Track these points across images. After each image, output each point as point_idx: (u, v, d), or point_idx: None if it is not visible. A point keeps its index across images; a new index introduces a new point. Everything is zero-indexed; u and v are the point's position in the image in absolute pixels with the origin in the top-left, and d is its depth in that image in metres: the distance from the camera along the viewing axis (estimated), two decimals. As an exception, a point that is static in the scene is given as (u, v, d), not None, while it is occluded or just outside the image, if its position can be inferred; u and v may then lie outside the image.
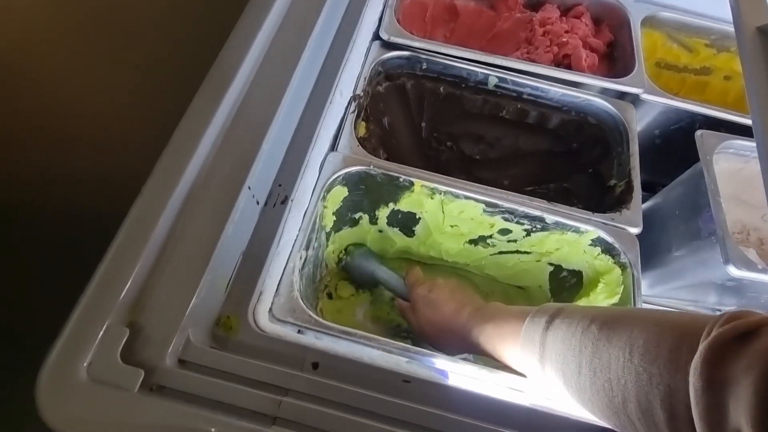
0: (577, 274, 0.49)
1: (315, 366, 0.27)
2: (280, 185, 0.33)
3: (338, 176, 0.41)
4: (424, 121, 0.57)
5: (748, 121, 0.51)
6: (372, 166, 0.42)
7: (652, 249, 0.50)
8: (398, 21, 0.58)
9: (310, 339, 0.30)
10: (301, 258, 0.38)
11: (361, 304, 0.56)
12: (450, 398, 0.26)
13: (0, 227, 0.54)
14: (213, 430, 0.20)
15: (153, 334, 0.23)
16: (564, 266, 0.49)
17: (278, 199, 0.33)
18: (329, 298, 0.55)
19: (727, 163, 0.52)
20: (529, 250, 0.49)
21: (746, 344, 0.17)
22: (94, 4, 0.56)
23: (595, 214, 0.43)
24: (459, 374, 0.30)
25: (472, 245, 0.51)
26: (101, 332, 0.21)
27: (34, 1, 0.51)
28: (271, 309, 0.31)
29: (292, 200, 0.33)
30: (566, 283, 0.50)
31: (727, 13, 0.41)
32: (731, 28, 0.58)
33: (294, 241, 0.36)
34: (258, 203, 0.31)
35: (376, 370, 0.27)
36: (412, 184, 0.43)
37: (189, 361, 0.23)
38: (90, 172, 0.59)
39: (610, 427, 0.23)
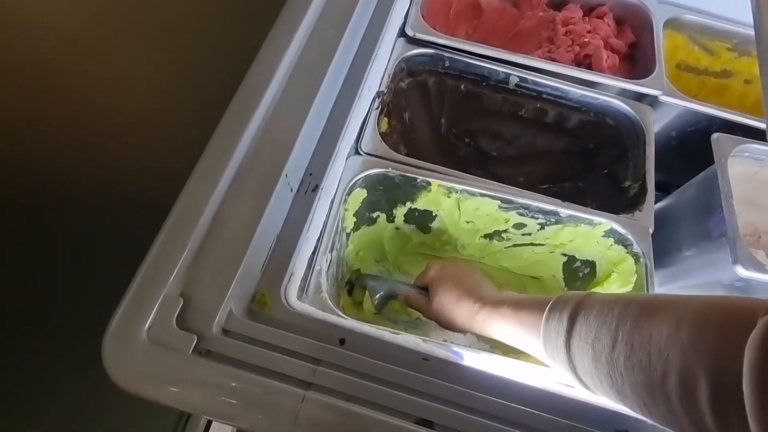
0: (590, 264, 0.50)
1: (342, 341, 0.29)
2: (311, 174, 0.36)
3: (358, 179, 0.43)
4: (443, 117, 0.59)
5: (765, 125, 0.52)
6: (390, 169, 0.44)
7: (663, 247, 0.51)
8: (423, 17, 0.59)
9: (336, 318, 0.32)
10: (327, 260, 0.41)
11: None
12: (466, 375, 0.28)
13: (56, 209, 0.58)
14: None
15: (202, 305, 0.25)
16: (578, 257, 0.51)
17: (309, 187, 0.35)
18: (349, 294, 0.57)
19: (742, 166, 0.52)
20: (543, 243, 0.51)
21: None
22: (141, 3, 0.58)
23: (608, 215, 0.45)
24: (473, 357, 0.32)
25: (488, 239, 0.53)
26: (159, 300, 0.24)
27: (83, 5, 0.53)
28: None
29: (322, 189, 0.36)
30: (580, 273, 0.52)
31: (751, 18, 0.42)
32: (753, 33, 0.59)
33: (319, 239, 0.38)
34: (292, 190, 0.33)
35: (398, 348, 0.30)
36: (429, 184, 0.45)
37: (232, 331, 0.26)
38: (139, 160, 0.62)
39: (635, 409, 0.23)
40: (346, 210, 0.45)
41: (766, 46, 0.39)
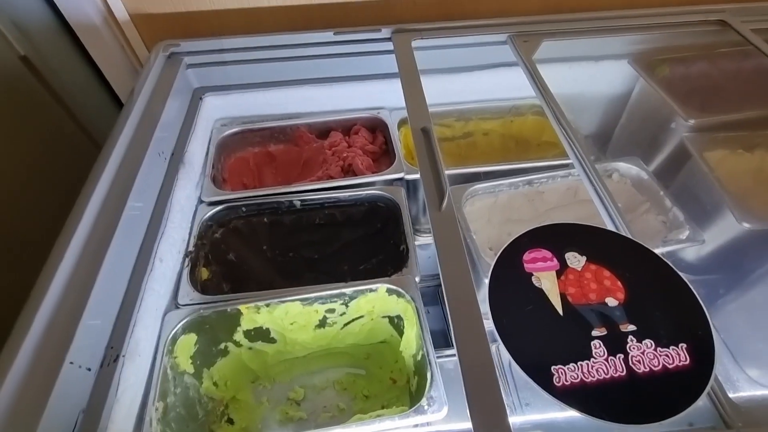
0: (400, 317, 0.61)
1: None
2: (112, 347, 0.45)
3: (177, 329, 0.52)
4: (264, 245, 0.72)
5: (488, 168, 0.71)
6: (201, 310, 0.54)
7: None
8: (224, 179, 0.75)
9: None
10: (157, 410, 0.47)
11: (263, 416, 0.63)
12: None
13: None
14: None
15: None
16: (390, 314, 0.62)
17: (111, 359, 0.44)
18: (231, 423, 0.62)
19: (481, 201, 0.69)
20: (359, 315, 0.61)
21: None
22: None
23: (380, 279, 0.57)
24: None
25: (320, 328, 0.63)
26: None
27: None
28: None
29: (123, 356, 0.44)
30: (401, 326, 0.62)
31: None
32: (462, 107, 0.81)
33: (143, 393, 0.46)
34: (89, 369, 0.42)
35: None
36: (238, 309, 0.55)
37: None
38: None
39: None
40: (175, 358, 0.53)
41: (416, 135, 0.57)
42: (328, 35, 0.72)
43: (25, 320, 0.39)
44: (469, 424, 0.53)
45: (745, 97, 0.69)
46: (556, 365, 0.37)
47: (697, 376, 0.36)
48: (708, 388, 0.35)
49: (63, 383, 0.38)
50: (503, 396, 0.65)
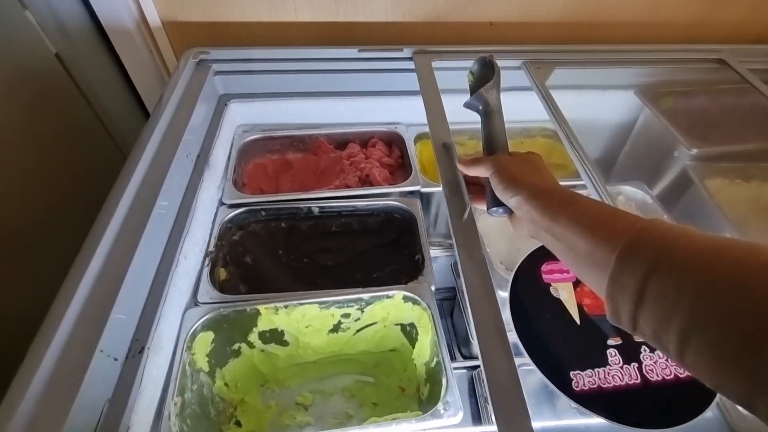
0: (413, 325, 0.62)
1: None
2: (137, 340, 0.45)
3: (197, 326, 0.53)
4: (280, 250, 0.73)
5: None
6: (221, 309, 0.55)
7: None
8: (244, 184, 0.77)
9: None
10: (176, 404, 0.48)
11: (270, 420, 0.64)
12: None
13: None
14: None
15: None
16: (403, 322, 0.63)
17: (136, 351, 0.45)
18: (239, 426, 0.62)
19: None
20: (373, 321, 0.63)
21: None
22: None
23: (397, 286, 0.59)
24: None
25: (333, 333, 0.64)
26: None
27: None
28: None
29: (148, 348, 0.45)
30: (413, 334, 0.63)
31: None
32: (474, 126, 0.84)
33: (162, 387, 0.47)
34: (116, 359, 0.43)
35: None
36: (257, 310, 0.56)
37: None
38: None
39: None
40: (193, 354, 0.54)
41: (437, 149, 0.59)
42: (352, 51, 0.76)
43: (57, 310, 0.40)
44: (481, 428, 0.54)
45: (743, 131, 0.73)
46: (574, 371, 0.39)
47: (706, 386, 0.38)
48: (717, 398, 0.37)
49: (93, 371, 0.39)
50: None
